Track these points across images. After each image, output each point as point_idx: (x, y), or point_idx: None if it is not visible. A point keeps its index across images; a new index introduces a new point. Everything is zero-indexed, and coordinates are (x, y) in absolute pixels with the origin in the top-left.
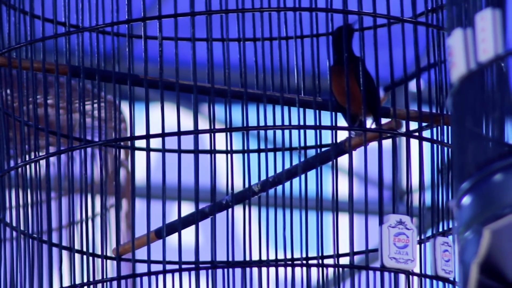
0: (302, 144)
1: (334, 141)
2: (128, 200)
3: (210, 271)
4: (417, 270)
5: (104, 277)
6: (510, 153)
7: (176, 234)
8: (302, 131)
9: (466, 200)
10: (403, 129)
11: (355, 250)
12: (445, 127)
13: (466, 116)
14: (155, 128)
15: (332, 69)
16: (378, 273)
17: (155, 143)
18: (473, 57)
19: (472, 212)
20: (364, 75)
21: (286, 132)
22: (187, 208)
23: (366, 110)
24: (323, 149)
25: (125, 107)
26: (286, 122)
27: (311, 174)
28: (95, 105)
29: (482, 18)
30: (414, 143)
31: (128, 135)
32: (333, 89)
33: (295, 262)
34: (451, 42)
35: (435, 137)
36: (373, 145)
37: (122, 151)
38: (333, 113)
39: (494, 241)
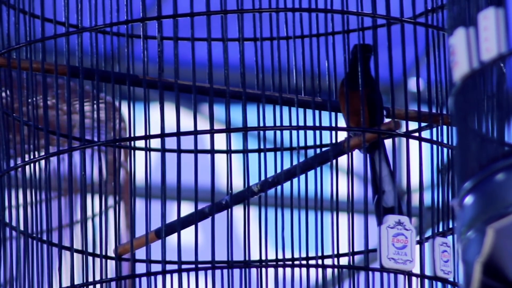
0: (302, 144)
1: (333, 142)
2: (126, 201)
3: (209, 271)
4: (416, 270)
5: (104, 277)
6: None
7: (176, 234)
8: (302, 131)
9: (469, 199)
10: (403, 130)
11: (354, 250)
12: (444, 127)
13: (468, 115)
14: (155, 128)
15: (350, 95)
16: (377, 273)
17: (155, 143)
18: (476, 56)
19: (474, 211)
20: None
21: (286, 132)
22: (187, 208)
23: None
24: (322, 149)
25: (124, 108)
26: (286, 123)
27: (311, 174)
28: (95, 106)
29: (485, 17)
30: (414, 143)
31: (128, 135)
32: (346, 110)
33: (295, 262)
34: (453, 41)
35: (434, 138)
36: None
37: (121, 151)
38: (333, 113)
39: (497, 240)
